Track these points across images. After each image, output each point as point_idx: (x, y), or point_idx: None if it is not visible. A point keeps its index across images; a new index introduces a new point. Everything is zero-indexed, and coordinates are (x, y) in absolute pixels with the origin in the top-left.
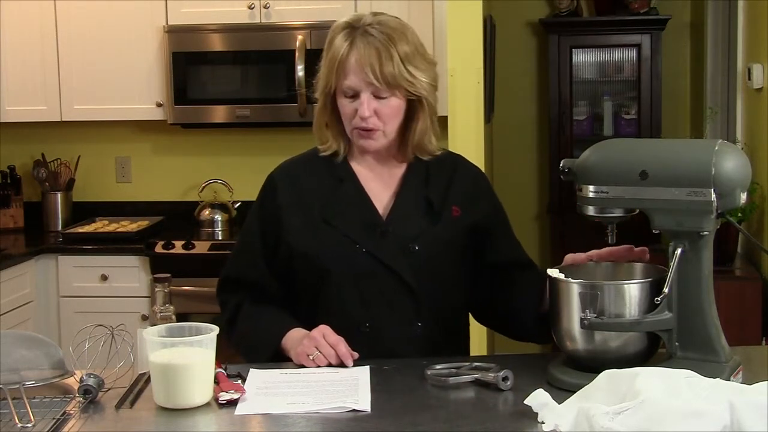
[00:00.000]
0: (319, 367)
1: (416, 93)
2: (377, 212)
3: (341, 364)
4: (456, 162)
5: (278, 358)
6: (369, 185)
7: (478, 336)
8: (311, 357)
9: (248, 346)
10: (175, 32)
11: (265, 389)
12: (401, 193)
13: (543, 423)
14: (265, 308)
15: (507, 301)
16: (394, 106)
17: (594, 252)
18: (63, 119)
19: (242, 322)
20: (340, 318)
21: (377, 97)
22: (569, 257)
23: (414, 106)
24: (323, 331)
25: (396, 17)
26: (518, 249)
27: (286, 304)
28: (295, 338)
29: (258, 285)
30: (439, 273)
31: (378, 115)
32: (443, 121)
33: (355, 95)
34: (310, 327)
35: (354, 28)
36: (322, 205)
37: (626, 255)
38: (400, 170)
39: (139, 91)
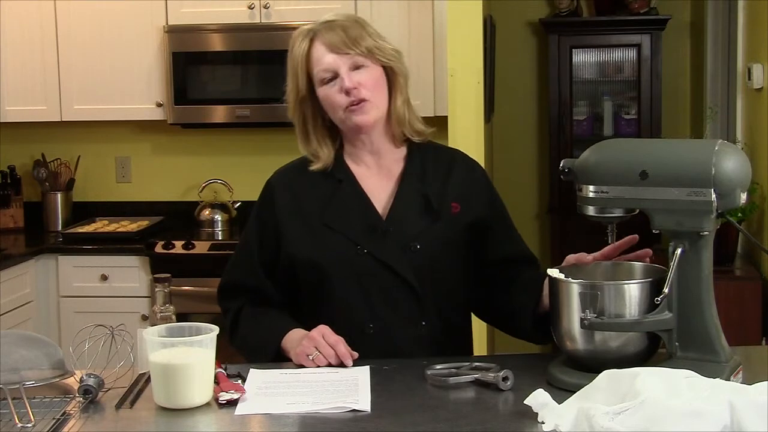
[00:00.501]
0: (318, 367)
1: (387, 59)
2: (377, 212)
3: (341, 364)
4: (454, 157)
5: (279, 359)
6: (367, 184)
7: (478, 336)
8: (311, 357)
9: (250, 348)
10: (175, 32)
11: (265, 389)
12: (400, 191)
13: (543, 423)
14: (266, 310)
15: (506, 300)
16: (375, 74)
17: (597, 253)
18: (63, 119)
19: (243, 325)
20: (344, 321)
21: (356, 69)
22: (570, 257)
23: (388, 79)
24: (322, 331)
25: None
26: (519, 244)
27: (287, 308)
28: (294, 339)
29: (257, 291)
30: (441, 271)
31: (362, 86)
32: (443, 121)
33: (333, 77)
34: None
35: (311, 29)
36: (321, 208)
37: (624, 247)
38: (397, 167)
39: (139, 91)
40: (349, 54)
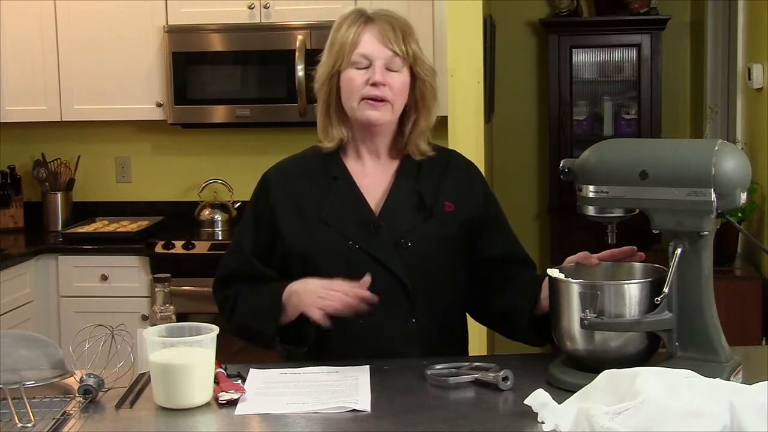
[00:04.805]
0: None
1: (424, 73)
2: (370, 209)
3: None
4: (449, 157)
5: (284, 336)
6: (362, 182)
7: (478, 336)
8: (320, 297)
9: (253, 320)
10: (175, 32)
11: (265, 389)
12: (393, 189)
13: (543, 423)
14: (262, 286)
15: (502, 301)
16: (404, 80)
17: (601, 254)
18: (63, 119)
19: (240, 306)
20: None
21: (389, 70)
22: (572, 258)
23: (417, 93)
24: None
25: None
26: (515, 245)
27: None
28: (298, 288)
29: (255, 278)
30: (433, 269)
31: (388, 86)
32: (443, 121)
33: (367, 66)
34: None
35: (362, 14)
36: (316, 203)
37: (627, 254)
38: (393, 167)
39: (139, 91)
40: (394, 53)
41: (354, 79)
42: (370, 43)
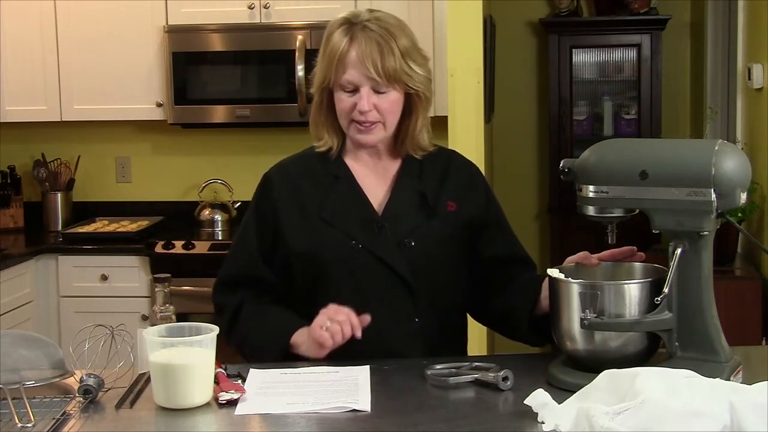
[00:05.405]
0: (333, 340)
1: (414, 87)
2: (373, 208)
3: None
4: (450, 157)
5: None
6: (364, 182)
7: (478, 336)
8: (324, 328)
9: (254, 347)
10: (175, 32)
11: (265, 389)
12: (396, 188)
13: (543, 423)
14: (268, 307)
15: (502, 301)
16: (393, 100)
17: (601, 254)
18: (63, 119)
19: (244, 322)
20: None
21: (376, 91)
22: (572, 258)
23: (411, 101)
24: (330, 308)
25: (391, 14)
26: (516, 245)
27: (285, 302)
28: (305, 332)
29: (258, 283)
30: (436, 268)
31: (377, 109)
32: (443, 121)
33: (354, 90)
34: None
35: (352, 24)
36: (318, 202)
37: (627, 254)
38: (394, 166)
39: (139, 91)
40: (376, 81)
41: (342, 101)
42: (354, 69)
